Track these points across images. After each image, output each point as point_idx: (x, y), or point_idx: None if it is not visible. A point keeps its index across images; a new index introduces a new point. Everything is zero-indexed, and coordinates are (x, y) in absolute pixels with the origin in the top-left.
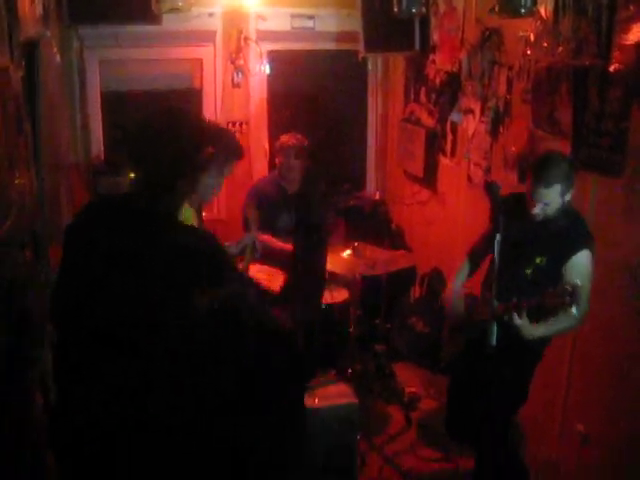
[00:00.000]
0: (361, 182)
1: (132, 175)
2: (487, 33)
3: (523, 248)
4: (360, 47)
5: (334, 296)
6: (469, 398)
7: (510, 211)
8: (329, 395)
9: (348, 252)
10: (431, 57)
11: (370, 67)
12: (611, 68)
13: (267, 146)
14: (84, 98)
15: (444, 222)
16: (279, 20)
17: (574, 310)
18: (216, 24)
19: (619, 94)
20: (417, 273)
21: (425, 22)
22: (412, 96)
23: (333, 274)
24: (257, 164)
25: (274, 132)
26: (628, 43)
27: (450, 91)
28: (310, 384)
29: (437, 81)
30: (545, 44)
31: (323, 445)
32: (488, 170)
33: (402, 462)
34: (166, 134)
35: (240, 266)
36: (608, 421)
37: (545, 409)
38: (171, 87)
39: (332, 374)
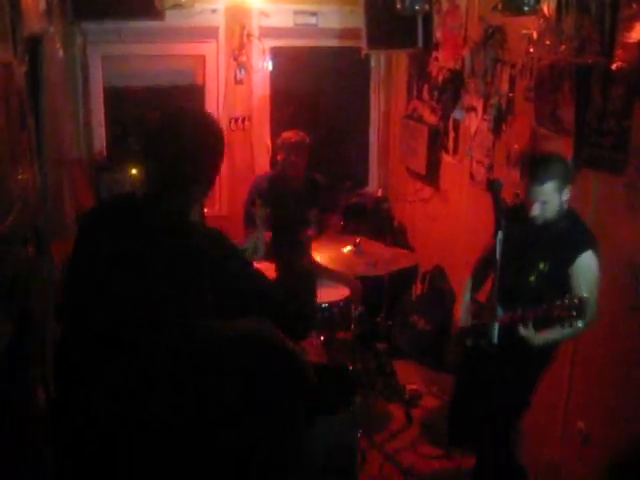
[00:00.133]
0: (363, 179)
1: (134, 171)
2: (490, 31)
3: (526, 254)
4: (363, 44)
5: (334, 294)
6: (471, 398)
7: (512, 218)
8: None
9: (349, 248)
10: (434, 54)
11: (373, 64)
12: (614, 66)
13: (269, 142)
14: (87, 94)
15: (446, 219)
16: (282, 16)
17: (580, 324)
18: (219, 20)
19: (622, 92)
20: (419, 270)
21: (428, 19)
22: (415, 93)
23: (334, 272)
24: (259, 160)
25: (276, 129)
26: (631, 41)
27: (453, 88)
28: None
29: (440, 78)
30: (548, 42)
31: (323, 445)
32: (490, 168)
33: (403, 460)
34: (194, 137)
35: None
36: (609, 422)
37: (547, 410)
38: (174, 83)
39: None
